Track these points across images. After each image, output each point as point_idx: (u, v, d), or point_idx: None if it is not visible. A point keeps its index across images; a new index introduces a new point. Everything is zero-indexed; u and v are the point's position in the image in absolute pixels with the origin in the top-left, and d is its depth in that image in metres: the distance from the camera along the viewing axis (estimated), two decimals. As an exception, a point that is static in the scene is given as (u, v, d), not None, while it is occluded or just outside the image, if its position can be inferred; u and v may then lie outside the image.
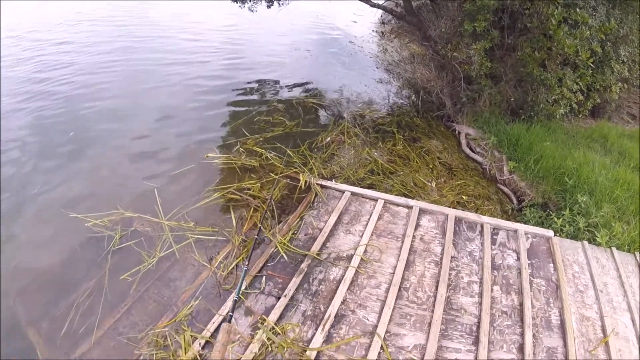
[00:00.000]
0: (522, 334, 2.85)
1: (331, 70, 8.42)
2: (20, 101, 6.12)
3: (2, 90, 6.40)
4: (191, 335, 2.79)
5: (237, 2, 8.15)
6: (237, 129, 5.59)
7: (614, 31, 6.25)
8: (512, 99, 6.58)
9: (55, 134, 5.30)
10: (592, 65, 6.18)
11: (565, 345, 2.80)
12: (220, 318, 2.89)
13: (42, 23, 10.40)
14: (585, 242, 3.75)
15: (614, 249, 3.73)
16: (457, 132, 6.85)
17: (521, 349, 2.76)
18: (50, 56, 8.05)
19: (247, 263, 2.30)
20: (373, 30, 11.56)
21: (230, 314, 1.63)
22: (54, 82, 6.78)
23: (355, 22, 12.32)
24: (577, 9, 5.64)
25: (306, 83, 7.59)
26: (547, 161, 5.60)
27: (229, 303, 3.00)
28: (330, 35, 11.00)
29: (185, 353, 2.65)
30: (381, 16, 11.93)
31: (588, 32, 5.62)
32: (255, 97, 6.81)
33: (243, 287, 3.06)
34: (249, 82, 7.32)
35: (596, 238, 4.21)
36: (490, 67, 6.26)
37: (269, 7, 8.44)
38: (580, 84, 6.35)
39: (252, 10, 8.42)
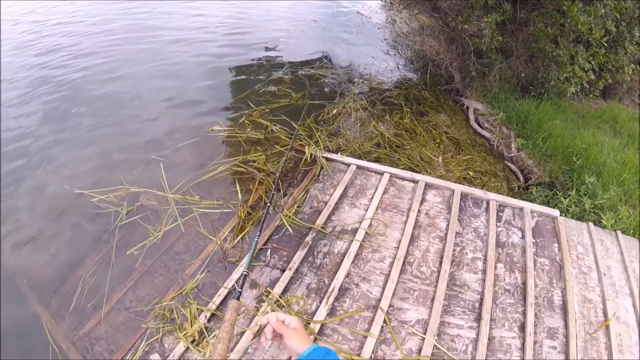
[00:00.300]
0: (524, 313, 2.86)
1: (338, 42, 8.19)
2: (21, 86, 6.00)
3: (1, 76, 6.28)
4: (197, 308, 2.82)
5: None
6: (242, 102, 5.48)
7: (629, 11, 6.07)
8: (523, 75, 6.46)
9: (58, 119, 5.21)
10: (605, 45, 6.06)
11: (566, 326, 2.81)
12: (226, 291, 2.92)
13: (40, 4, 10.12)
14: (591, 224, 3.71)
15: (619, 232, 3.69)
16: (465, 106, 6.75)
17: (523, 327, 2.78)
18: (50, 38, 7.84)
19: (258, 234, 2.30)
20: (381, 0, 11.22)
21: (239, 290, 1.63)
22: (55, 65, 6.61)
23: (363, -9, 11.97)
24: (592, -14, 5.46)
25: (312, 55, 7.39)
26: (556, 140, 5.54)
27: (234, 275, 3.03)
28: (337, 6, 10.69)
29: (192, 326, 2.68)
30: (390, -15, 11.57)
31: (603, 10, 5.45)
32: (260, 70, 6.62)
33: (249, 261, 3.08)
34: (253, 55, 7.12)
35: (602, 220, 4.20)
36: (501, 41, 6.11)
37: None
38: (593, 63, 6.23)
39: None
